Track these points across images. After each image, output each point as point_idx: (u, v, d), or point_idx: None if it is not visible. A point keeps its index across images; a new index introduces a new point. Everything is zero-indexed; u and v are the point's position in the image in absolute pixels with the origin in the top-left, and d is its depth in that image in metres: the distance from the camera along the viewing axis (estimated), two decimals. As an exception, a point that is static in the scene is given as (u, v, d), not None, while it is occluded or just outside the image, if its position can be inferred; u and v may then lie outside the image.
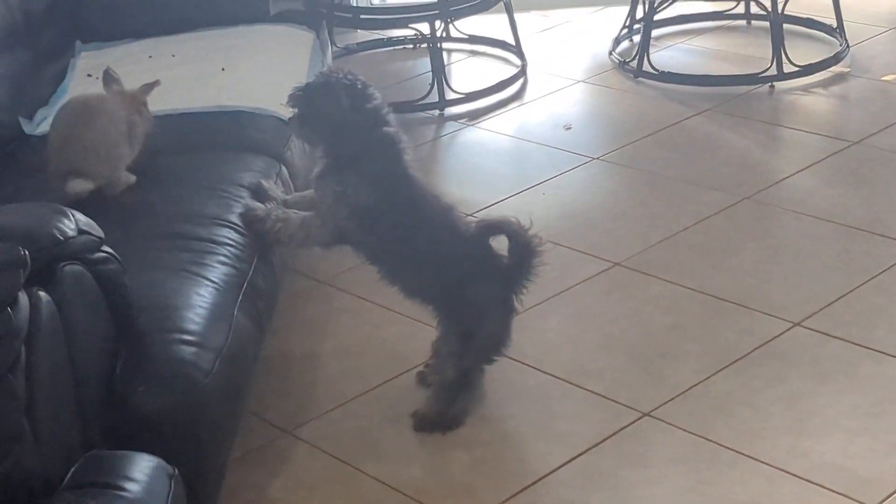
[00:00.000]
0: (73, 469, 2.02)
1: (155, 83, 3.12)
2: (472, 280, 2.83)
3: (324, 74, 2.87)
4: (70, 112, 2.99)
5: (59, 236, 2.11)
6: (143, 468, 2.03)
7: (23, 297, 1.92)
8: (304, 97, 2.80)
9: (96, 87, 3.19)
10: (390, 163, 2.83)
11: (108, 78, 3.14)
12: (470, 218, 2.93)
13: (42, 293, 2.02)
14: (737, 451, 2.77)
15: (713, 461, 2.75)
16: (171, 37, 3.87)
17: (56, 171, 2.89)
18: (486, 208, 3.92)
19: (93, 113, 2.94)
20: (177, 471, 2.07)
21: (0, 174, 3.17)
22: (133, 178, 2.98)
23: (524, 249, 2.81)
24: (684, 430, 2.85)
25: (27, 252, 1.92)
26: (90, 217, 2.28)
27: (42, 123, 3.41)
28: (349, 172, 2.80)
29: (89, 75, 3.67)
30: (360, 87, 2.78)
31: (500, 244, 2.86)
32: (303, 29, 4.02)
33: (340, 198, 2.81)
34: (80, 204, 2.73)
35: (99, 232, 2.25)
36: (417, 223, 2.83)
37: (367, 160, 2.80)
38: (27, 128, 3.39)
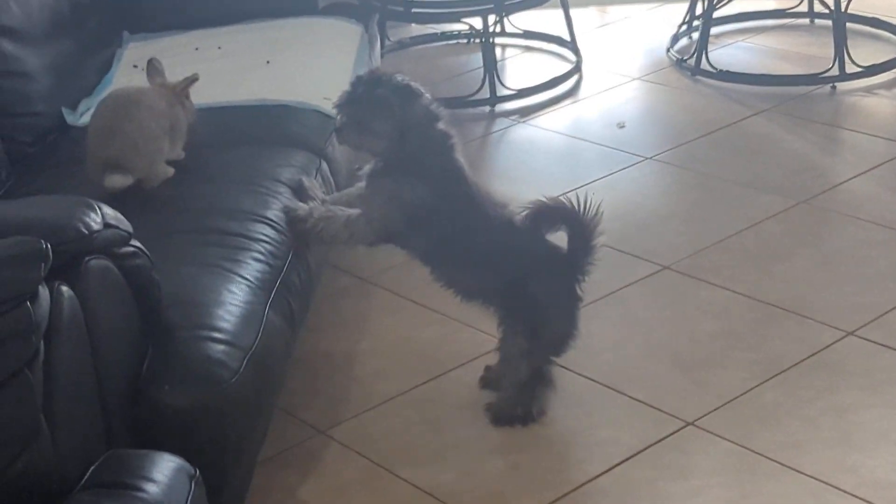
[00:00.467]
0: (92, 468, 1.98)
1: (194, 77, 3.07)
2: (534, 276, 2.78)
3: (369, 77, 2.81)
4: (110, 105, 2.95)
5: (83, 230, 2.07)
6: (163, 469, 1.98)
7: (43, 292, 1.88)
8: (351, 104, 2.75)
9: (141, 79, 3.16)
10: (444, 161, 2.78)
11: (152, 69, 3.11)
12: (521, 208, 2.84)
13: (64, 287, 1.98)
14: (782, 464, 2.68)
15: (757, 473, 2.67)
16: (218, 28, 3.84)
17: (94, 165, 2.86)
18: (534, 207, 3.85)
19: (133, 106, 2.91)
20: (198, 472, 2.02)
21: (39, 165, 3.15)
22: (171, 171, 2.94)
23: (582, 229, 2.76)
24: (728, 441, 2.77)
25: (49, 245, 1.88)
26: (123, 210, 2.24)
27: (85, 114, 3.39)
28: (403, 172, 2.75)
29: (135, 66, 3.64)
30: (407, 86, 2.73)
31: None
32: (351, 22, 3.97)
33: (394, 198, 2.76)
34: (115, 196, 2.71)
35: (127, 226, 2.20)
36: (474, 222, 2.78)
37: (420, 159, 2.75)
38: (70, 118, 3.37)
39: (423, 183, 2.74)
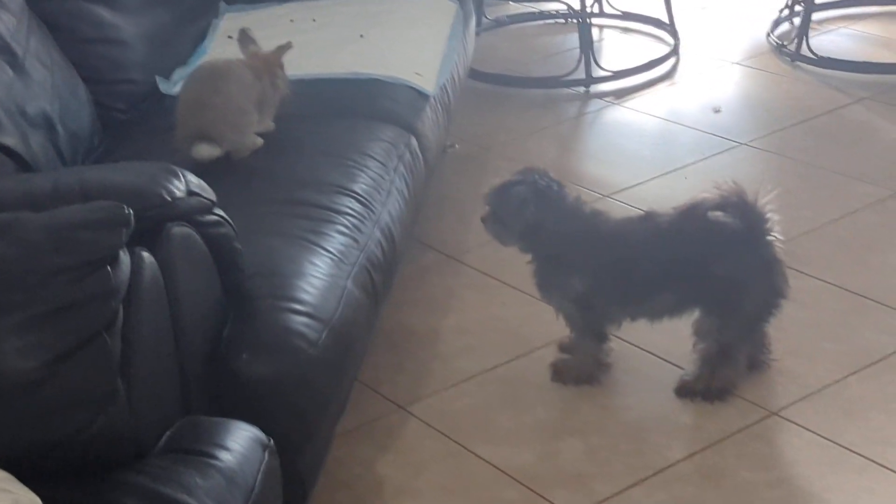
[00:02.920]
0: (168, 433, 1.99)
1: (287, 45, 3.08)
2: (714, 258, 2.75)
3: (522, 172, 2.83)
4: (200, 77, 2.97)
5: (166, 196, 2.08)
6: (238, 437, 1.99)
7: (124, 257, 1.88)
8: (495, 196, 2.81)
9: (235, 49, 3.17)
10: (581, 224, 2.81)
11: (245, 38, 3.12)
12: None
13: (145, 253, 1.99)
14: (867, 458, 2.62)
15: (840, 467, 2.61)
16: (313, 1, 3.85)
17: (183, 136, 2.88)
18: (624, 190, 3.82)
19: (222, 78, 2.92)
20: (273, 442, 2.03)
21: (131, 132, 3.18)
22: (260, 142, 2.95)
23: (744, 210, 2.74)
24: (812, 433, 2.72)
25: (131, 211, 1.88)
26: (209, 179, 2.25)
27: (178, 83, 3.41)
28: (556, 267, 2.83)
29: (230, 37, 3.64)
30: (548, 189, 2.78)
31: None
32: (447, -2, 3.95)
33: (568, 298, 2.83)
34: (201, 165, 2.73)
35: (210, 194, 2.21)
36: (638, 249, 2.80)
37: (568, 251, 2.80)
38: (163, 87, 3.39)
39: (577, 270, 2.79)
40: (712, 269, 2.75)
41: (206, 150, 2.83)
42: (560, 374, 2.93)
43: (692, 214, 2.78)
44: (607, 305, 2.85)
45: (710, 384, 2.82)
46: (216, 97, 2.87)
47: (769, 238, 2.79)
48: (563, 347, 2.97)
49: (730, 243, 2.76)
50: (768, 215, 2.77)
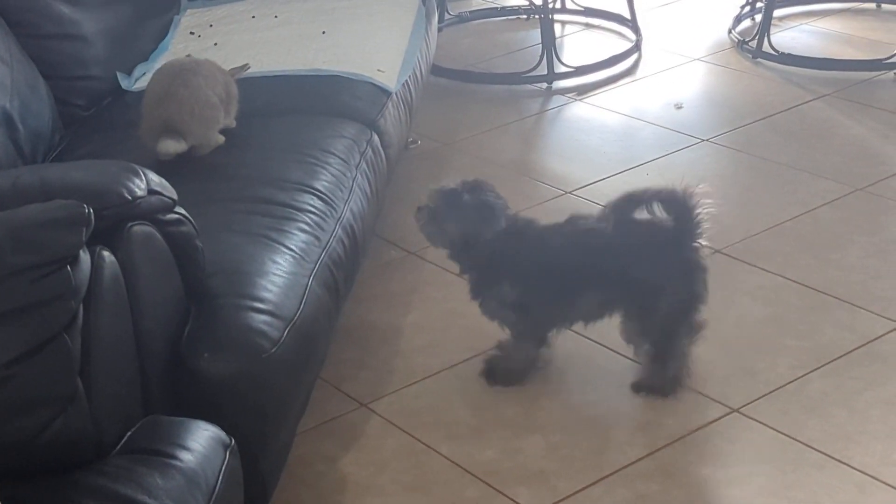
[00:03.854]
0: (129, 433, 1.98)
1: (245, 66, 3.13)
2: (636, 260, 2.76)
3: (464, 189, 2.82)
4: (168, 72, 2.97)
5: (127, 195, 2.06)
6: (199, 437, 1.98)
7: (84, 256, 1.87)
8: (442, 196, 2.80)
9: (198, 45, 3.17)
10: (512, 241, 2.81)
11: None
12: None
13: (106, 252, 1.98)
14: (827, 455, 2.64)
15: (801, 463, 2.63)
16: (276, -3, 3.83)
17: (149, 129, 2.87)
18: (586, 186, 3.83)
19: (190, 73, 2.92)
20: (234, 441, 2.02)
21: (92, 128, 3.17)
22: (222, 139, 2.94)
23: (676, 201, 2.74)
24: (774, 430, 2.73)
25: (91, 210, 1.87)
26: (169, 177, 2.23)
27: (140, 79, 3.40)
28: (488, 280, 2.84)
29: (192, 33, 3.65)
30: (492, 207, 2.78)
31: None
32: (409, -6, 3.95)
33: (502, 306, 2.84)
34: (162, 163, 2.71)
35: (171, 193, 2.20)
36: (556, 256, 2.81)
37: (497, 261, 2.81)
38: (125, 83, 3.38)
39: (507, 270, 2.81)
40: (631, 270, 2.77)
41: (171, 146, 2.83)
42: (491, 373, 2.93)
43: (617, 215, 2.78)
44: (542, 308, 2.86)
45: (663, 378, 2.84)
46: (183, 90, 2.87)
47: (695, 243, 2.78)
48: (500, 347, 2.98)
49: (651, 245, 2.78)
50: (699, 220, 2.76)
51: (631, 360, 2.96)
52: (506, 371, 2.92)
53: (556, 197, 3.78)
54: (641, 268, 2.77)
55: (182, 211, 2.22)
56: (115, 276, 1.99)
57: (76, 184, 2.07)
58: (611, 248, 2.78)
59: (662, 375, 2.84)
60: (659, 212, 2.77)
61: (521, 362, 2.92)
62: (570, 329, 2.95)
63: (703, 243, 2.80)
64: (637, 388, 2.88)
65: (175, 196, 2.20)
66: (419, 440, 2.76)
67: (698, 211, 2.76)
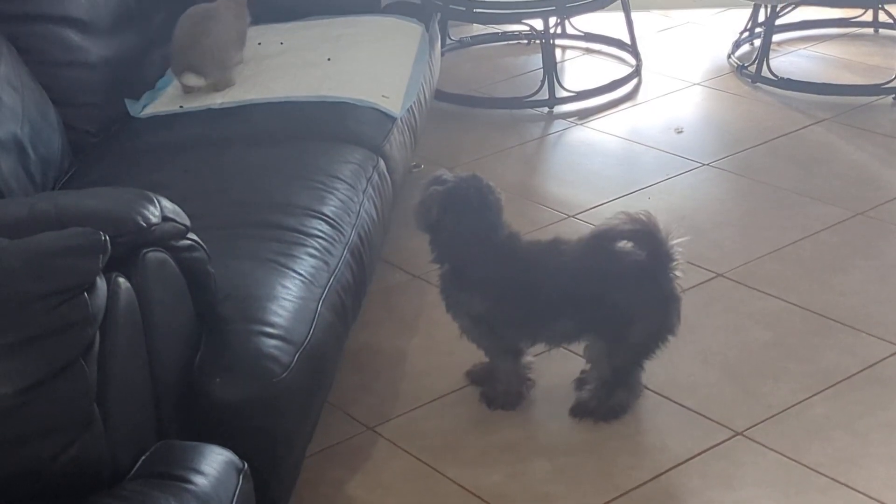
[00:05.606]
0: (143, 458, 2.00)
1: None
2: (613, 287, 2.78)
3: (470, 177, 2.86)
4: (191, 19, 3.48)
5: (142, 222, 2.09)
6: (212, 461, 2.00)
7: (101, 283, 1.89)
8: (441, 184, 2.82)
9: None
10: (491, 251, 2.82)
11: None
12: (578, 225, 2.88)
13: (122, 279, 2.00)
14: (831, 478, 2.66)
15: (805, 486, 2.65)
16: (280, 24, 3.87)
17: (177, 68, 3.45)
18: (589, 210, 3.85)
19: (210, 20, 3.46)
20: (247, 466, 2.04)
21: (101, 154, 3.19)
22: (234, 82, 3.46)
23: (650, 238, 2.77)
24: (777, 453, 2.75)
25: (108, 237, 1.90)
26: (180, 201, 2.26)
27: (147, 106, 3.43)
28: (464, 283, 2.86)
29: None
30: (481, 201, 2.80)
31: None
32: (412, 21, 3.99)
33: (467, 315, 2.88)
34: (170, 189, 2.73)
35: (184, 219, 2.23)
36: (543, 277, 2.82)
37: (472, 268, 2.83)
38: (132, 109, 3.41)
39: (481, 282, 2.82)
40: (605, 297, 2.78)
41: (193, 80, 3.42)
42: (488, 399, 2.95)
43: (596, 243, 2.81)
44: (505, 327, 2.87)
45: (604, 404, 2.86)
46: (205, 37, 3.41)
47: (671, 274, 2.80)
48: (473, 376, 3.01)
49: (627, 274, 2.80)
50: (674, 251, 2.79)
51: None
52: (501, 394, 2.93)
53: (559, 221, 3.81)
54: (616, 295, 2.78)
55: (194, 237, 2.25)
56: (131, 303, 2.02)
57: (91, 211, 2.09)
58: (590, 273, 2.80)
59: (606, 402, 2.86)
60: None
61: (506, 378, 2.92)
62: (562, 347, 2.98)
63: (678, 274, 2.81)
64: (576, 411, 2.88)
65: (188, 222, 2.23)
66: (426, 463, 2.78)
67: (670, 243, 2.78)
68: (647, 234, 2.78)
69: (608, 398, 2.86)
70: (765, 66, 4.74)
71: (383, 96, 3.42)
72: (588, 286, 2.80)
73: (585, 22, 5.18)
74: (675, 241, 2.79)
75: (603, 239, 2.81)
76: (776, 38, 4.90)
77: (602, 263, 2.80)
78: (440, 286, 2.91)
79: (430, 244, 2.87)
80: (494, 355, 2.93)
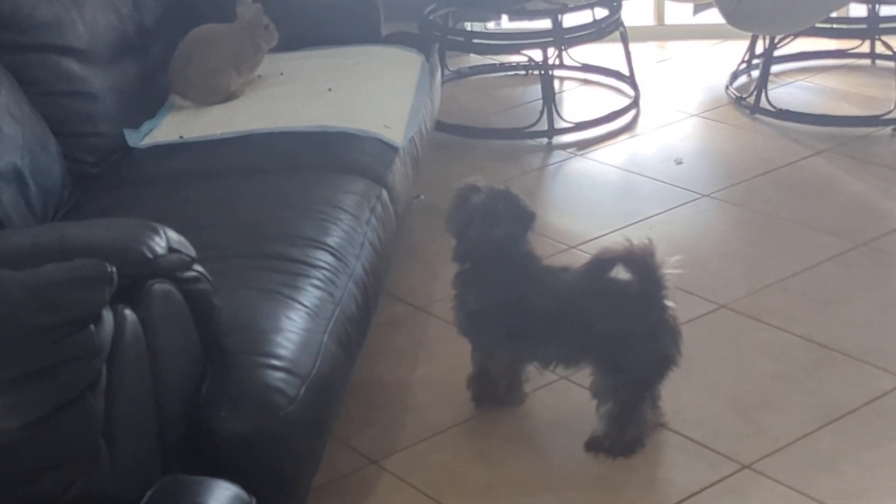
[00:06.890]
0: (149, 493, 1.97)
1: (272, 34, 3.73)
2: (604, 316, 2.77)
3: (492, 189, 2.89)
4: (187, 42, 3.63)
5: (148, 254, 2.07)
6: (219, 497, 1.96)
7: (107, 315, 1.88)
8: (472, 192, 2.87)
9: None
10: (503, 260, 2.86)
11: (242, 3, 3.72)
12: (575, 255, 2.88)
13: (128, 311, 1.98)
14: (840, 512, 2.65)
15: (814, 520, 2.63)
16: (281, 54, 3.85)
17: (171, 84, 3.62)
18: (590, 241, 3.84)
19: (205, 47, 3.60)
20: (255, 500, 2.01)
21: (101, 185, 3.17)
22: (238, 95, 3.59)
23: (639, 265, 2.76)
24: (785, 486, 2.73)
25: (114, 269, 1.88)
26: (185, 232, 2.24)
27: (147, 136, 3.41)
28: (465, 281, 2.91)
29: (198, 90, 3.67)
30: (514, 215, 2.85)
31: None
32: (412, 51, 3.98)
33: (461, 307, 2.93)
34: (172, 219, 2.71)
35: (190, 251, 2.21)
36: (528, 297, 2.84)
37: (479, 267, 2.89)
38: (131, 139, 3.39)
39: (481, 282, 2.86)
40: (596, 325, 2.77)
41: (179, 101, 3.60)
42: (477, 392, 3.01)
43: (590, 268, 2.81)
44: (491, 333, 2.90)
45: (618, 441, 2.83)
46: (192, 69, 3.58)
47: (665, 303, 2.78)
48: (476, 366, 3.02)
49: (619, 302, 2.79)
50: (665, 279, 2.77)
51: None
52: (493, 389, 2.98)
53: (560, 252, 3.79)
54: (607, 323, 2.77)
55: (200, 268, 2.23)
56: (137, 335, 2.00)
57: (97, 242, 2.07)
58: (583, 300, 2.80)
59: (619, 439, 2.83)
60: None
61: (498, 374, 2.96)
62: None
63: (670, 304, 2.79)
64: (590, 446, 2.86)
65: (194, 254, 2.21)
66: (430, 497, 2.75)
67: (661, 272, 2.76)
68: (640, 261, 2.76)
69: (622, 435, 2.83)
70: (763, 98, 4.74)
71: (385, 126, 3.41)
72: (575, 309, 2.80)
73: (584, 53, 5.18)
74: (667, 270, 2.77)
75: (597, 265, 2.81)
76: (774, 69, 4.90)
77: (591, 288, 2.80)
78: (453, 282, 2.94)
79: (455, 246, 2.91)
80: (476, 351, 2.96)
